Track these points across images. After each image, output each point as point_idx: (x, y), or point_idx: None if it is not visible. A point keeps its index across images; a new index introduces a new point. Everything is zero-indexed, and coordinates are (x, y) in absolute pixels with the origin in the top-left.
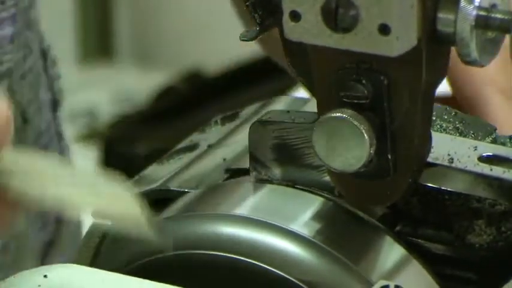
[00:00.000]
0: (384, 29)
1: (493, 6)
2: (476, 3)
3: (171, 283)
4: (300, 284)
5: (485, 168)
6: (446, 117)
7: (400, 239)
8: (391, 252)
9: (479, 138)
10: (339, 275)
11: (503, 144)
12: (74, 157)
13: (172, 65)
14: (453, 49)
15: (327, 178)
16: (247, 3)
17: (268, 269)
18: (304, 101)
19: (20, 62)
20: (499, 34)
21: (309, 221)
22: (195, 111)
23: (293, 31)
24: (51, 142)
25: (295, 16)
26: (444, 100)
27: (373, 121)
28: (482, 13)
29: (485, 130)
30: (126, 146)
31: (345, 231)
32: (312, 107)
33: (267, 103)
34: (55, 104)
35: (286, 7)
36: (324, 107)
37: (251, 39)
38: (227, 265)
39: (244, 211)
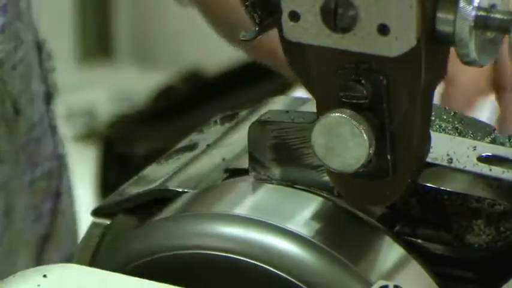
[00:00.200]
0: (383, 29)
1: (492, 6)
2: (476, 4)
3: (171, 283)
4: (299, 284)
5: (484, 168)
6: (445, 117)
7: (399, 239)
8: (390, 252)
9: (478, 138)
10: (338, 275)
11: (503, 144)
12: (73, 157)
13: (172, 64)
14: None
15: (326, 178)
16: (247, 3)
17: (267, 268)
18: (303, 101)
19: (11, 53)
20: (498, 34)
21: (308, 221)
22: (194, 111)
23: (292, 31)
24: (44, 135)
25: (294, 16)
26: None
27: (372, 121)
28: (481, 13)
29: (484, 130)
30: (125, 146)
31: (344, 231)
32: (311, 107)
33: (266, 103)
34: (49, 97)
35: (286, 7)
36: (323, 107)
37: (251, 39)
38: (226, 265)
39: (244, 211)
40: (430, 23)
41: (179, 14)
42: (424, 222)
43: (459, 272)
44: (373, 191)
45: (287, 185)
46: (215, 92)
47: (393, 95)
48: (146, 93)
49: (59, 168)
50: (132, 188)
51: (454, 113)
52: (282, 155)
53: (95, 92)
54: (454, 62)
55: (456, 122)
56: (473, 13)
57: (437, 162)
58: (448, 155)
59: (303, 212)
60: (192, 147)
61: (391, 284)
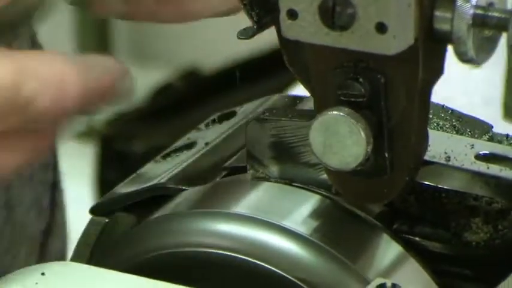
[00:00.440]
0: (381, 28)
1: (490, 4)
2: (473, 2)
3: (169, 281)
4: (297, 282)
5: (482, 166)
6: (443, 115)
7: (397, 236)
8: (388, 250)
9: (476, 136)
10: (335, 273)
11: (500, 142)
12: (71, 154)
13: (170, 62)
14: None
15: (324, 176)
16: (245, 2)
17: (265, 266)
18: (302, 99)
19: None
20: (496, 32)
21: (306, 219)
22: (192, 109)
23: (290, 29)
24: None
25: (292, 14)
26: None
27: (370, 119)
28: (479, 11)
29: (482, 128)
30: (123, 144)
31: (342, 229)
32: (310, 105)
33: (264, 101)
34: None
35: (283, 5)
36: (321, 105)
37: (248, 38)
38: (224, 263)
39: (241, 209)
40: (428, 21)
41: None
42: (422, 220)
43: (457, 269)
44: (371, 189)
45: (285, 183)
46: (213, 90)
47: (391, 93)
48: (144, 91)
49: (54, 160)
50: (130, 186)
51: (452, 111)
52: (280, 153)
53: None
54: None
55: (454, 120)
56: (471, 11)
57: (435, 160)
58: (445, 153)
59: (300, 210)
60: (190, 145)
61: (389, 282)
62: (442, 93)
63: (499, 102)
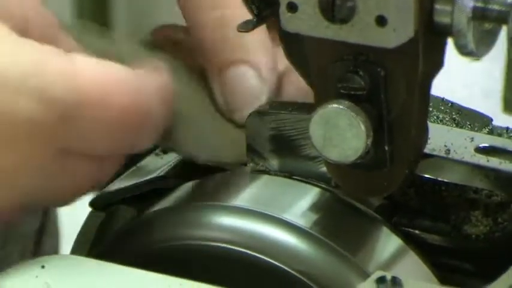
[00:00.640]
0: (381, 21)
1: None
2: None
3: (168, 273)
4: (297, 274)
5: (481, 159)
6: (442, 108)
7: (397, 229)
8: (388, 243)
9: (475, 129)
10: (335, 265)
11: (500, 135)
12: None
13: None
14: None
15: (324, 169)
16: None
17: (264, 259)
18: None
19: None
20: (496, 25)
21: (305, 211)
22: None
23: (290, 22)
24: None
25: (292, 7)
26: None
27: (370, 112)
28: (479, 4)
29: (481, 121)
30: None
31: (342, 222)
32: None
33: None
34: None
35: None
36: (321, 98)
37: (249, 31)
38: (224, 255)
39: (241, 202)
40: (428, 14)
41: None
42: (421, 213)
43: (457, 262)
44: (371, 182)
45: (285, 176)
46: None
47: (391, 86)
48: None
49: None
50: (130, 179)
51: (452, 104)
52: (280, 146)
53: None
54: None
55: (454, 113)
56: (471, 4)
57: (434, 153)
58: (445, 146)
59: (300, 203)
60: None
61: (388, 275)
62: (442, 86)
63: (499, 95)
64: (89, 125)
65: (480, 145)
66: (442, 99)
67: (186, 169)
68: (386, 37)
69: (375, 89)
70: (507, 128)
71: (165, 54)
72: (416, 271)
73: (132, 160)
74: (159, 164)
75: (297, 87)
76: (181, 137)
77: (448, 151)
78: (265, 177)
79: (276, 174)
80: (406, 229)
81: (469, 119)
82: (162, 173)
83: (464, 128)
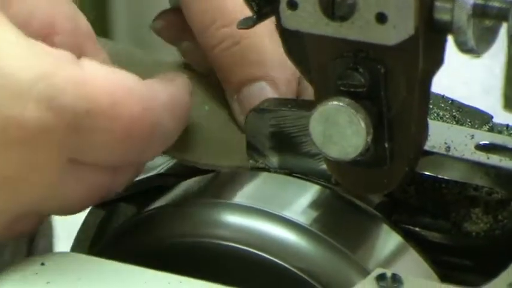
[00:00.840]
0: (381, 18)
1: None
2: None
3: (168, 270)
4: (297, 271)
5: (482, 157)
6: (443, 105)
7: (397, 227)
8: (388, 240)
9: (476, 126)
10: (335, 263)
11: (500, 132)
12: None
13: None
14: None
15: (324, 166)
16: None
17: (264, 256)
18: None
19: None
20: (496, 22)
21: (305, 209)
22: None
23: (290, 20)
24: None
25: (292, 5)
26: None
27: (370, 109)
28: (479, 1)
29: (482, 118)
30: None
31: (342, 220)
32: (309, 95)
33: None
34: None
35: None
36: (321, 95)
37: (249, 27)
38: (224, 253)
39: (241, 199)
40: (428, 11)
41: None
42: (421, 210)
43: (457, 260)
44: (371, 179)
45: (285, 173)
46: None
47: (391, 83)
48: None
49: None
50: None
51: (452, 101)
52: (280, 143)
53: None
54: None
55: (454, 110)
56: (471, 1)
57: (435, 150)
58: (445, 143)
59: (300, 200)
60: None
61: (389, 272)
62: (442, 83)
63: (499, 92)
64: (97, 134)
65: (480, 142)
66: (442, 96)
67: (186, 167)
68: (386, 34)
69: (374, 86)
70: (507, 125)
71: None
72: (416, 268)
73: None
74: (158, 162)
75: None
76: (181, 143)
77: (448, 148)
78: (265, 175)
79: (275, 172)
80: (406, 226)
81: (469, 116)
82: (162, 171)
83: (465, 125)
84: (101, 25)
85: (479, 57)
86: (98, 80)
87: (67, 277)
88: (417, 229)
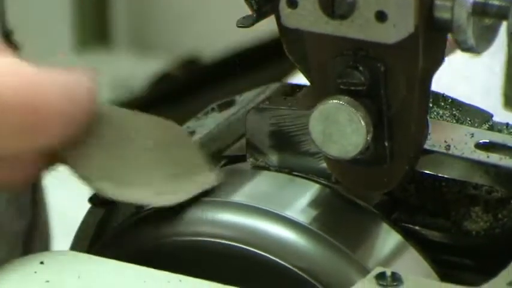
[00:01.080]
0: (381, 16)
1: None
2: None
3: (168, 270)
4: (296, 270)
5: (482, 155)
6: (443, 104)
7: (397, 225)
8: (388, 239)
9: (476, 125)
10: (335, 261)
11: (500, 131)
12: None
13: (169, 51)
14: None
15: (324, 165)
16: None
17: (264, 255)
18: (302, 87)
19: None
20: (496, 21)
21: (305, 208)
22: (192, 98)
23: (290, 18)
24: None
25: (292, 3)
26: None
27: (370, 108)
28: (479, 0)
29: (482, 117)
30: None
31: (342, 218)
32: (309, 93)
33: (264, 90)
34: None
35: None
36: (320, 93)
37: (248, 26)
38: (224, 252)
39: (241, 198)
40: (428, 9)
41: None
42: (421, 209)
43: (457, 258)
44: (371, 178)
45: (285, 172)
46: (213, 78)
47: (391, 81)
48: (144, 80)
49: None
50: None
51: (452, 99)
52: (279, 141)
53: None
54: None
55: (454, 109)
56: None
57: (434, 149)
58: (445, 141)
59: (300, 199)
60: (189, 134)
61: (388, 271)
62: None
63: (499, 91)
64: None
65: (480, 141)
66: (442, 95)
67: None
68: (386, 32)
69: (374, 85)
70: (507, 124)
71: None
72: (416, 267)
73: None
74: None
75: None
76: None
77: (448, 147)
78: (264, 173)
79: (276, 170)
80: (406, 225)
81: (469, 114)
82: None
83: (465, 124)
84: (101, 27)
85: (479, 55)
86: None
87: (66, 276)
88: (417, 228)
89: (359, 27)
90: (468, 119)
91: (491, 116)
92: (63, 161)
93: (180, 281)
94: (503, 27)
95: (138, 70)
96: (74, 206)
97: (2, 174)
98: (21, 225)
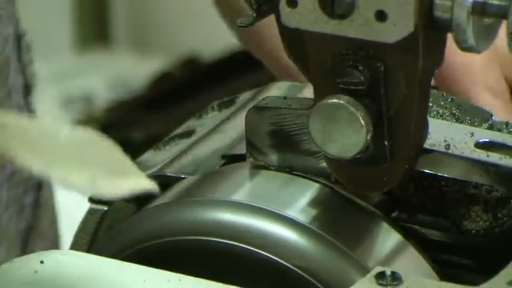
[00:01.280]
0: (381, 16)
1: None
2: None
3: (168, 269)
4: (296, 270)
5: (481, 155)
6: (442, 103)
7: (397, 225)
8: (388, 238)
9: (475, 124)
10: (335, 261)
11: (500, 130)
12: None
13: (169, 50)
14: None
15: (324, 164)
16: None
17: (264, 255)
18: (302, 86)
19: None
20: (496, 20)
21: (305, 207)
22: (191, 97)
23: (290, 18)
24: None
25: (292, 3)
26: None
27: (369, 107)
28: None
29: (481, 116)
30: (122, 132)
31: (342, 218)
32: (309, 92)
33: (263, 89)
34: (28, 89)
35: None
36: (320, 93)
37: (248, 26)
38: (224, 251)
39: (241, 197)
40: (427, 9)
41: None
42: (421, 208)
43: (456, 258)
44: (371, 177)
45: (285, 171)
46: (213, 78)
47: (391, 81)
48: (144, 80)
49: None
50: None
51: (452, 99)
52: (279, 141)
53: (92, 78)
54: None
55: (454, 108)
56: None
57: (434, 148)
58: (445, 141)
59: (300, 198)
60: (189, 133)
61: (388, 270)
62: None
63: None
64: None
65: (480, 140)
66: (442, 94)
67: (186, 164)
68: (386, 32)
69: (374, 84)
70: (507, 123)
71: None
72: (416, 266)
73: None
74: (158, 159)
75: None
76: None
77: (447, 146)
78: (264, 173)
79: (275, 170)
80: (406, 224)
81: (469, 114)
82: (161, 168)
83: (464, 123)
84: (101, 27)
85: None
86: None
87: (66, 275)
88: (417, 227)
89: (359, 27)
90: (468, 118)
91: (491, 115)
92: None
93: (180, 280)
94: (503, 26)
95: (137, 70)
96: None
97: None
98: (21, 225)
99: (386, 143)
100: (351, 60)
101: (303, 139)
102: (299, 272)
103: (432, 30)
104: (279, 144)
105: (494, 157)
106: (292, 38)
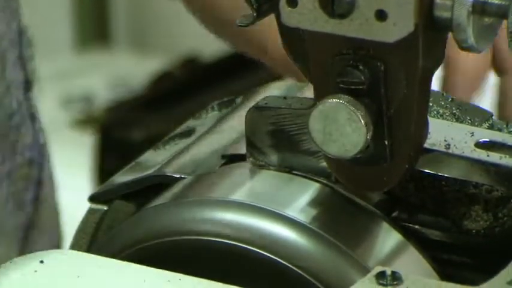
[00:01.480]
0: (381, 15)
1: None
2: None
3: (167, 269)
4: (296, 269)
5: (482, 154)
6: (443, 103)
7: (397, 225)
8: (388, 238)
9: (476, 124)
10: (335, 261)
11: (500, 130)
12: (70, 143)
13: (169, 50)
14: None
15: (324, 164)
16: None
17: (264, 254)
18: (301, 86)
19: None
20: (496, 20)
21: (305, 207)
22: (191, 97)
23: (290, 17)
24: (23, 123)
25: (292, 2)
26: None
27: (369, 107)
28: None
29: (482, 116)
30: (122, 132)
31: (342, 217)
32: (309, 92)
33: (263, 89)
34: (28, 85)
35: None
36: (320, 92)
37: (248, 25)
38: (223, 251)
39: (241, 197)
40: (428, 8)
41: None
42: (421, 208)
43: (457, 257)
44: (371, 177)
45: (285, 171)
46: (212, 77)
47: (391, 80)
48: (143, 79)
49: (40, 157)
50: (129, 174)
51: (452, 98)
52: (279, 141)
53: (92, 78)
54: (453, 48)
55: (454, 108)
56: None
57: (434, 148)
58: (445, 140)
59: (300, 198)
60: (189, 133)
61: (388, 270)
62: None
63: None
64: None
65: (480, 140)
66: (442, 93)
67: (186, 164)
68: (386, 31)
69: (374, 84)
70: (507, 123)
71: None
72: (416, 266)
73: (132, 155)
74: (158, 159)
75: None
76: None
77: (448, 146)
78: (264, 172)
79: (275, 169)
80: (406, 224)
81: (469, 113)
82: (161, 168)
83: (465, 123)
84: (101, 27)
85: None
86: None
87: (66, 275)
88: (417, 227)
89: (359, 26)
90: (468, 117)
91: (492, 114)
92: None
93: (180, 280)
94: (503, 26)
95: (137, 69)
96: (74, 206)
97: None
98: (20, 221)
99: (386, 142)
100: (351, 60)
101: (303, 139)
102: (299, 271)
103: (432, 29)
104: (279, 144)
105: (495, 157)
106: (292, 37)
